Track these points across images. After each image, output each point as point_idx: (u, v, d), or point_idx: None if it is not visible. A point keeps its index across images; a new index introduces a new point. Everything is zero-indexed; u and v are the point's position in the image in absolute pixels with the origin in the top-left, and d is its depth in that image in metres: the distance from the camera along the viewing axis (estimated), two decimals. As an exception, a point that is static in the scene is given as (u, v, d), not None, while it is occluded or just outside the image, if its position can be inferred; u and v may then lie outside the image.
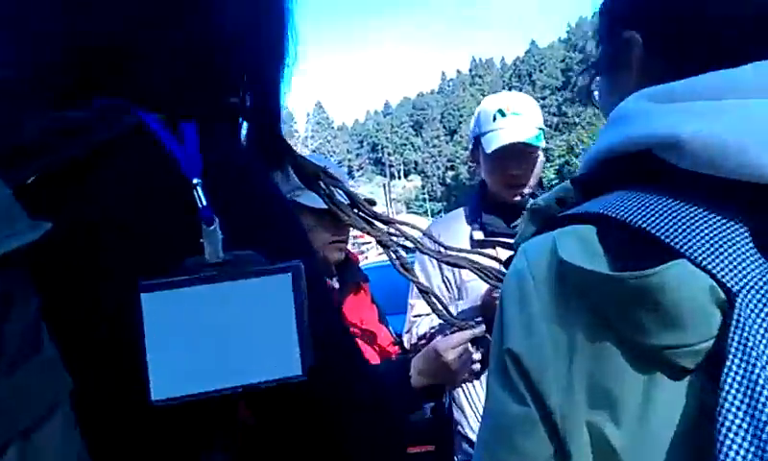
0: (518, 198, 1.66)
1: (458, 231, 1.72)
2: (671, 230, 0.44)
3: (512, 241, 1.64)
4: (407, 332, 1.75)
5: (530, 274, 0.51)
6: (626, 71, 0.58)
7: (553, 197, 0.56)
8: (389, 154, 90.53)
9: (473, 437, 1.67)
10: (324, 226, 1.42)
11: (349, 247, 1.68)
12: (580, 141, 49.96)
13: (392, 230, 0.99)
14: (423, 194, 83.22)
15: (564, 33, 79.51)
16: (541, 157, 1.68)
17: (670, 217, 0.45)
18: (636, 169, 0.50)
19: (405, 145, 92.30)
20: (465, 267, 1.26)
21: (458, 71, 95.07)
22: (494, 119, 1.67)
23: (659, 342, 0.44)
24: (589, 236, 0.48)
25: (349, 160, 78.69)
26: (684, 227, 0.44)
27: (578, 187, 0.55)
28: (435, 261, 1.60)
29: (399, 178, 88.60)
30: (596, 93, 0.68)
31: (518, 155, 1.63)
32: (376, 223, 0.98)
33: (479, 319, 1.55)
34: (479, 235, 1.68)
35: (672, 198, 0.47)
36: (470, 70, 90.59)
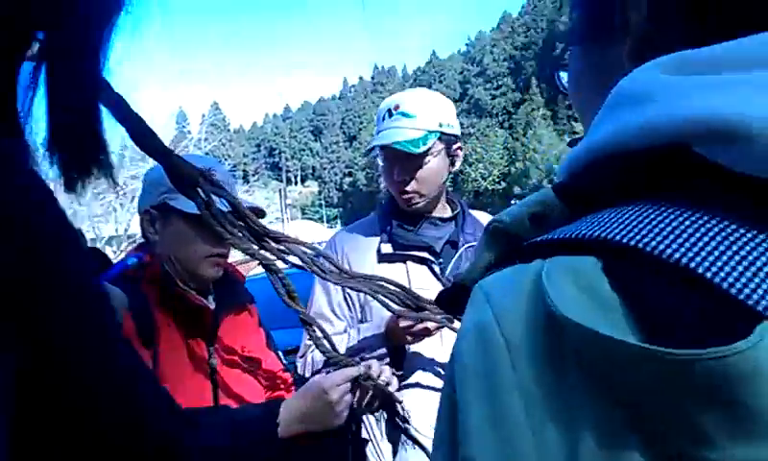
0: (410, 207, 1.51)
1: (366, 245, 1.54)
2: (735, 273, 0.27)
3: (425, 255, 1.51)
4: (301, 357, 1.57)
5: (501, 335, 0.31)
6: (617, 41, 0.40)
7: (524, 211, 0.37)
8: (287, 159, 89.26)
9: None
10: (203, 237, 1.19)
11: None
12: (473, 151, 51.91)
13: (282, 249, 0.78)
14: (320, 200, 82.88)
15: (463, 46, 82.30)
16: (434, 163, 1.49)
17: (728, 251, 0.28)
18: (657, 170, 0.33)
19: (304, 150, 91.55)
20: (366, 292, 1.11)
21: (360, 78, 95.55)
22: (383, 119, 1.52)
23: (726, 457, 0.26)
24: (594, 276, 0.29)
25: (245, 165, 76.40)
26: (755, 268, 0.27)
27: (564, 198, 0.36)
28: None
29: (296, 183, 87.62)
30: (563, 75, 0.51)
31: (395, 159, 1.48)
32: (267, 240, 0.77)
33: (382, 350, 1.37)
34: (387, 248, 1.50)
35: (726, 218, 0.29)
36: (372, 77, 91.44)
